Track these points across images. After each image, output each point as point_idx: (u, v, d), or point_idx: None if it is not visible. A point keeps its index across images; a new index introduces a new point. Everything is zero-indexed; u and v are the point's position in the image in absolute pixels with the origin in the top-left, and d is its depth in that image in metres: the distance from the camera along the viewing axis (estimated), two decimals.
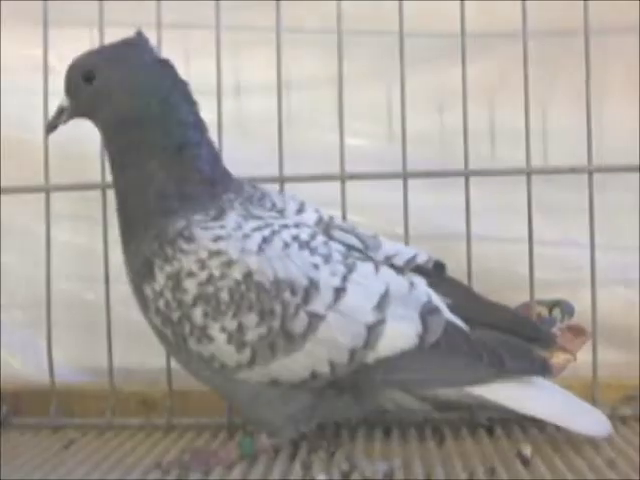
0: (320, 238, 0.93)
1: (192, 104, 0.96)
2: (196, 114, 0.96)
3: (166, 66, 0.96)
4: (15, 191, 1.16)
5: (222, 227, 0.91)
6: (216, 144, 1.08)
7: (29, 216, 1.24)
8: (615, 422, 1.05)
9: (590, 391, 1.08)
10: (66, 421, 1.12)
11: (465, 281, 1.08)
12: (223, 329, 0.89)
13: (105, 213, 1.10)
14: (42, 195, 1.14)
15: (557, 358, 1.21)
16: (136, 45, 0.96)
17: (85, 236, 1.27)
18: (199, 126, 0.96)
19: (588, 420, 0.94)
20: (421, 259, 0.98)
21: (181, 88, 0.96)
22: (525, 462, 0.91)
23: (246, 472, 0.91)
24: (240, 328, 0.89)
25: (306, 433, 0.97)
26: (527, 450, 0.92)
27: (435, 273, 0.98)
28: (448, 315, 0.94)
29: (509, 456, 0.92)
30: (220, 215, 0.92)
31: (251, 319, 0.89)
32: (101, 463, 0.96)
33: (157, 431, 1.09)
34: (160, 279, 0.90)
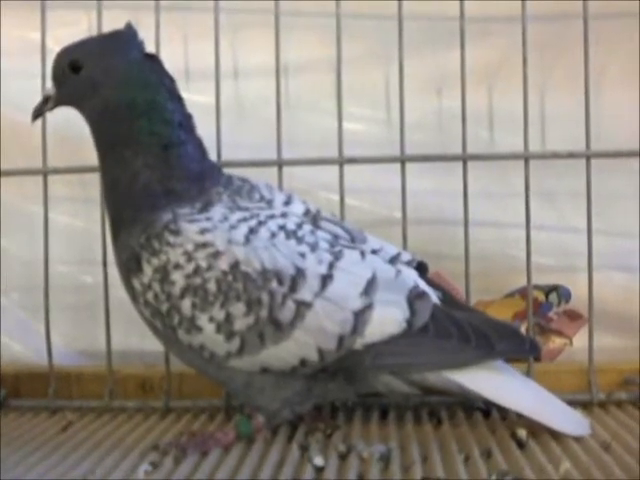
0: (307, 227, 0.93)
1: (178, 101, 0.95)
2: (182, 111, 0.95)
3: (154, 62, 0.96)
4: (13, 174, 1.16)
5: (208, 219, 0.91)
6: (214, 128, 1.09)
7: (27, 199, 1.25)
8: (611, 406, 1.06)
9: (586, 376, 1.08)
10: (64, 403, 1.13)
11: (462, 265, 1.09)
12: (211, 319, 0.89)
13: (103, 196, 1.10)
14: (40, 178, 1.14)
15: (553, 342, 1.22)
16: (125, 38, 0.96)
17: (83, 219, 1.27)
18: (185, 124, 0.95)
19: (570, 420, 0.94)
20: (405, 258, 0.98)
21: (168, 85, 0.95)
22: (521, 445, 0.91)
23: (243, 454, 0.91)
24: (228, 318, 0.89)
25: (303, 415, 0.98)
26: (523, 433, 0.93)
27: (418, 274, 0.98)
28: (435, 299, 0.95)
29: (505, 439, 0.93)
30: (206, 208, 0.92)
31: (239, 309, 0.89)
32: (99, 445, 0.96)
33: (155, 413, 1.09)
34: (148, 272, 0.91)
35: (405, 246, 1.08)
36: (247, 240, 0.90)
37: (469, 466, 0.86)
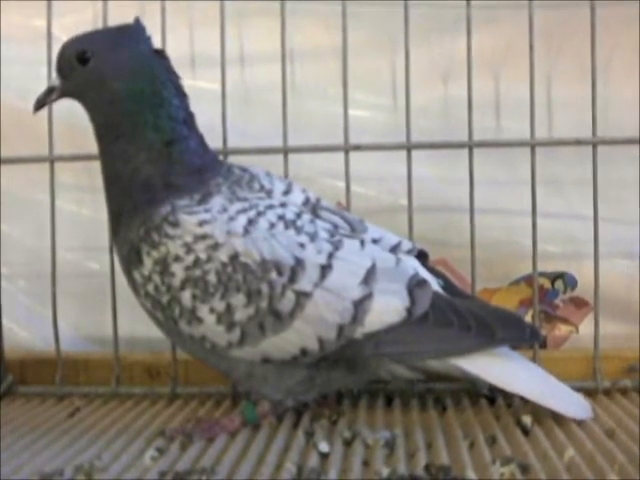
0: (306, 217, 0.93)
1: (183, 97, 0.95)
2: (186, 109, 0.95)
3: (161, 57, 0.95)
4: (19, 161, 1.16)
5: (207, 211, 0.91)
6: (219, 114, 1.09)
7: (33, 186, 1.25)
8: (616, 394, 1.06)
9: (591, 363, 1.08)
10: (71, 389, 1.13)
11: (468, 253, 1.09)
12: (212, 310, 0.89)
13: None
14: (46, 165, 1.14)
15: (559, 330, 1.22)
16: (133, 32, 0.95)
17: (89, 206, 1.28)
18: (188, 120, 0.95)
19: (571, 403, 0.94)
20: (405, 246, 0.98)
21: (174, 81, 0.95)
22: (525, 431, 0.91)
23: (249, 440, 0.91)
24: (229, 309, 0.89)
25: (308, 402, 0.98)
26: (527, 420, 0.93)
27: (419, 262, 0.98)
28: (436, 287, 0.95)
29: (510, 425, 0.93)
30: (205, 199, 0.92)
31: (239, 300, 0.89)
32: (106, 431, 0.97)
33: (161, 399, 1.10)
34: (148, 264, 0.91)
35: (411, 233, 1.08)
36: (246, 231, 0.90)
37: (474, 452, 0.86)
